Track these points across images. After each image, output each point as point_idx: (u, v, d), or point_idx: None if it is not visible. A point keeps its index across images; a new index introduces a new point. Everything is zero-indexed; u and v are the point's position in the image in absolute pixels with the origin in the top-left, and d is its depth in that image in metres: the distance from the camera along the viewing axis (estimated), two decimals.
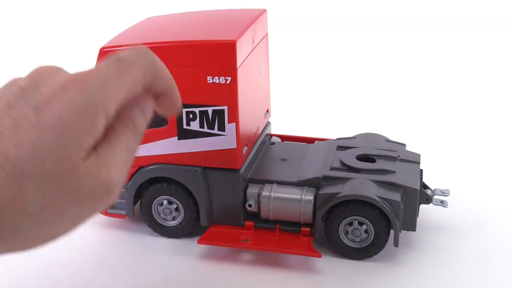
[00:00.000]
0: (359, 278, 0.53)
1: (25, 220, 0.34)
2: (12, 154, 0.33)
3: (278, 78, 0.78)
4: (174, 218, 0.58)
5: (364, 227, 0.54)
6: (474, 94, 0.92)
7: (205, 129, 0.53)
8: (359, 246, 0.55)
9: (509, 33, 1.14)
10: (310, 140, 0.65)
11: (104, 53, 0.52)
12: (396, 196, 0.53)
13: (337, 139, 0.64)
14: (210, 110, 0.53)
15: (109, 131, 0.37)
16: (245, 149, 0.56)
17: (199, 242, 0.55)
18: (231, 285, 0.52)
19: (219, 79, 0.52)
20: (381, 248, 0.54)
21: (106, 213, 0.59)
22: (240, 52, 0.52)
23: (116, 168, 0.36)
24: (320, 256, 0.53)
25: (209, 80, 0.52)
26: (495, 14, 1.21)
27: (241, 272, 0.54)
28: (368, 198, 0.52)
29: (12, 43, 1.19)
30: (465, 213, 0.62)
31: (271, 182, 0.56)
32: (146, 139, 0.55)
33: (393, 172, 0.56)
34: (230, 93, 0.52)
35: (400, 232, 0.54)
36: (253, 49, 0.56)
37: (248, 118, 0.56)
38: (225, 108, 0.52)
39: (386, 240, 0.54)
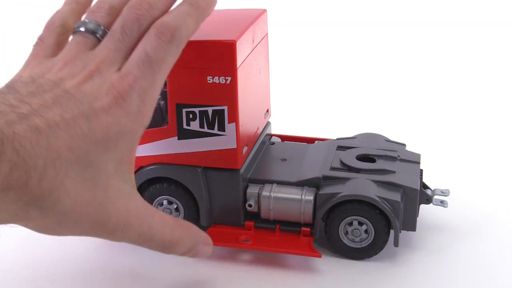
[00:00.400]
0: (359, 278, 0.53)
1: (55, 214, 0.39)
2: (64, 154, 0.38)
3: (278, 78, 0.78)
4: None
5: (364, 227, 0.54)
6: (474, 94, 0.92)
7: (205, 129, 0.53)
8: (359, 246, 0.54)
9: (509, 33, 1.14)
10: (310, 140, 0.65)
11: None
12: (396, 196, 0.53)
13: (337, 139, 0.64)
14: (210, 110, 0.53)
15: None
16: (245, 149, 0.56)
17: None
18: (231, 285, 0.52)
19: (219, 79, 0.51)
20: (381, 248, 0.54)
21: None
22: (240, 52, 0.52)
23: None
24: (320, 256, 0.53)
25: (209, 80, 0.52)
26: (495, 14, 1.21)
27: (241, 272, 0.54)
28: (368, 198, 0.52)
29: (12, 43, 1.19)
30: (465, 213, 0.62)
31: (271, 182, 0.56)
32: (146, 139, 0.55)
33: (393, 172, 0.56)
34: (230, 93, 0.52)
35: (400, 232, 0.54)
36: (253, 49, 0.56)
37: (248, 118, 0.56)
38: (225, 108, 0.52)
39: (386, 240, 0.54)
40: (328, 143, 0.62)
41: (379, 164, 0.57)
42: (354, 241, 0.54)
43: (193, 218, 0.57)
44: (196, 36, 0.53)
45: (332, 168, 0.57)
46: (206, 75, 0.51)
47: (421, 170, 0.59)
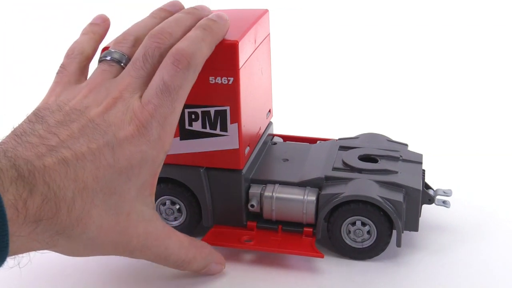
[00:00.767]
0: (361, 278, 0.53)
1: (82, 240, 0.41)
2: (90, 185, 0.40)
3: (280, 78, 0.78)
4: (176, 219, 0.58)
5: (367, 227, 0.54)
6: (476, 94, 0.92)
7: (207, 130, 0.53)
8: (361, 247, 0.54)
9: (509, 33, 1.14)
10: (312, 140, 0.65)
11: None
12: (398, 197, 0.53)
13: (339, 139, 0.64)
14: (212, 110, 0.53)
15: None
16: (247, 149, 0.56)
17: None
18: (232, 285, 0.52)
19: (221, 80, 0.51)
20: (383, 249, 0.54)
21: None
22: (242, 52, 0.52)
23: None
24: (322, 257, 0.53)
25: (211, 81, 0.52)
26: (495, 14, 1.21)
27: (242, 272, 0.54)
28: (370, 198, 0.52)
29: (13, 42, 1.19)
30: (468, 214, 0.62)
31: (273, 182, 0.56)
32: None
33: (396, 172, 0.56)
34: (232, 93, 0.52)
35: (402, 232, 0.54)
36: (255, 50, 0.56)
37: (250, 118, 0.56)
38: (227, 108, 0.52)
39: (388, 242, 0.54)
40: (330, 143, 0.62)
41: (381, 164, 0.57)
42: (356, 241, 0.54)
43: (196, 218, 0.57)
44: None
45: (334, 169, 0.57)
46: (208, 76, 0.51)
47: (423, 170, 0.59)
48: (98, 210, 0.41)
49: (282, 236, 0.56)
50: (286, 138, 0.66)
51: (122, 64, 0.48)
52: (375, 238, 0.54)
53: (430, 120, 0.84)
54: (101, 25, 0.53)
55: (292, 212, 0.55)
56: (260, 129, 0.60)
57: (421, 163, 0.58)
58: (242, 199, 0.55)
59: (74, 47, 0.51)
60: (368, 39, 1.15)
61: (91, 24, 0.54)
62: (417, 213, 0.55)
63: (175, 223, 0.58)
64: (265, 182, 0.56)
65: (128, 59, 0.48)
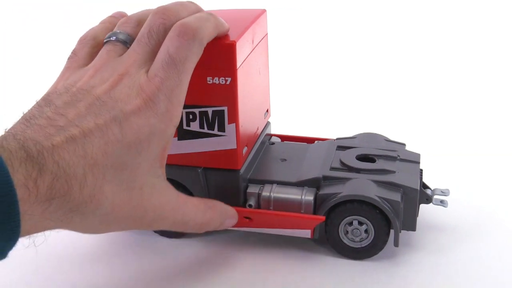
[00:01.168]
0: (359, 278, 0.53)
1: (96, 216, 0.41)
2: (100, 161, 0.40)
3: (278, 78, 0.78)
4: None
5: (364, 227, 0.54)
6: (474, 94, 0.92)
7: (205, 130, 0.53)
8: (359, 246, 0.55)
9: (509, 33, 1.14)
10: (310, 140, 0.65)
11: None
12: (396, 196, 0.53)
13: (337, 139, 0.64)
14: (210, 110, 0.53)
15: None
16: (245, 149, 0.56)
17: None
18: (230, 285, 0.52)
19: (219, 80, 0.51)
20: (381, 248, 0.54)
21: None
22: (240, 52, 0.52)
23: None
24: (323, 219, 0.53)
25: (209, 81, 0.52)
26: (495, 14, 1.21)
27: (240, 273, 0.54)
28: (368, 198, 0.52)
29: (14, 41, 1.19)
30: (465, 213, 0.62)
31: (271, 182, 0.56)
32: None
33: (393, 172, 0.56)
34: (230, 93, 0.52)
35: (400, 232, 0.54)
36: (253, 50, 0.56)
37: (248, 119, 0.56)
38: (225, 108, 0.52)
39: (386, 241, 0.54)
40: (328, 143, 0.62)
41: (379, 164, 0.57)
42: (354, 241, 0.54)
43: None
44: None
45: (332, 168, 0.57)
46: (206, 76, 0.51)
47: (421, 170, 0.59)
48: (111, 186, 0.41)
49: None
50: (284, 138, 0.66)
51: (127, 45, 0.48)
52: (372, 237, 0.54)
53: (428, 119, 0.84)
54: (118, 19, 0.53)
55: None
56: (258, 129, 0.60)
57: (418, 162, 0.59)
58: (240, 199, 0.55)
59: (88, 34, 0.51)
60: (366, 39, 1.15)
61: (110, 16, 0.54)
62: (414, 213, 0.55)
63: None
64: (263, 182, 0.56)
65: (133, 39, 0.48)
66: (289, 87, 0.93)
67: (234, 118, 0.53)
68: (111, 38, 0.49)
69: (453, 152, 0.75)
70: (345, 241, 0.55)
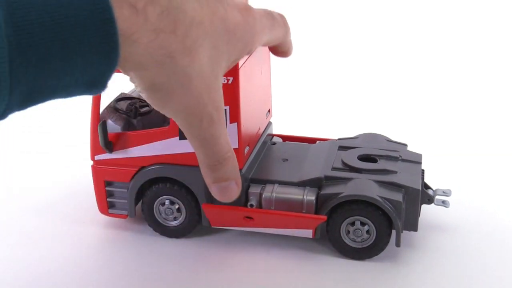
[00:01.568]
0: (361, 278, 0.53)
1: (183, 75, 0.38)
2: (206, 24, 0.39)
3: (280, 78, 0.78)
4: (175, 218, 0.58)
5: (366, 227, 0.54)
6: (475, 94, 0.92)
7: None
8: (360, 246, 0.54)
9: (509, 33, 1.14)
10: (312, 140, 0.65)
11: None
12: (398, 196, 0.53)
13: (339, 139, 0.64)
14: None
15: None
16: (246, 149, 0.56)
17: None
18: (230, 285, 0.52)
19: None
20: (382, 249, 0.54)
21: (107, 214, 0.59)
22: None
23: None
24: (325, 219, 0.53)
25: None
26: (495, 14, 1.21)
27: (240, 273, 0.54)
28: (370, 198, 0.52)
29: None
30: (467, 213, 0.62)
31: (272, 182, 0.56)
32: (148, 139, 0.55)
33: (395, 172, 0.56)
34: (232, 93, 0.52)
35: (401, 232, 0.54)
36: (255, 50, 0.56)
37: (250, 118, 0.56)
38: (227, 108, 0.52)
39: (387, 242, 0.54)
40: (330, 143, 0.62)
41: (381, 164, 0.57)
42: (356, 241, 0.54)
43: (195, 218, 0.57)
44: None
45: (334, 168, 0.57)
46: None
47: (423, 170, 0.59)
48: (205, 54, 0.39)
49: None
50: (285, 138, 0.66)
51: None
52: (374, 238, 0.54)
53: (430, 120, 0.84)
54: None
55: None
56: (259, 129, 0.60)
57: (420, 163, 0.58)
58: (242, 198, 0.55)
59: None
60: (367, 40, 1.15)
61: None
62: (416, 213, 0.55)
63: (175, 223, 0.58)
64: (264, 182, 0.56)
65: None
66: (290, 87, 0.93)
67: (236, 117, 0.53)
68: None
69: (454, 152, 0.75)
70: (347, 241, 0.55)
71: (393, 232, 0.54)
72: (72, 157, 0.73)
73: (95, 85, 0.34)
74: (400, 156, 0.59)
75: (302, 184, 0.56)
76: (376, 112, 0.86)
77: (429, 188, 0.59)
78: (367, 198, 0.52)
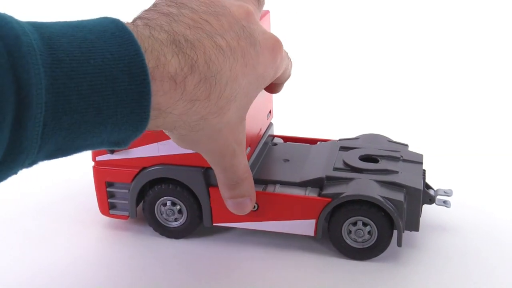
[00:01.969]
0: (362, 278, 0.53)
1: (210, 130, 0.41)
2: (239, 79, 0.40)
3: None
4: (176, 219, 0.58)
5: (368, 228, 0.54)
6: (476, 94, 0.92)
7: None
8: (362, 247, 0.54)
9: (509, 33, 1.14)
10: (313, 141, 0.65)
11: None
12: (399, 196, 0.53)
13: (340, 139, 0.64)
14: None
15: None
16: (248, 149, 0.56)
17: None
18: (231, 285, 0.52)
19: None
20: (383, 250, 0.54)
21: (108, 215, 0.59)
22: None
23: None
24: (330, 201, 0.53)
25: None
26: (495, 14, 1.21)
27: (241, 273, 0.54)
28: (371, 198, 0.52)
29: None
30: (468, 213, 0.61)
31: (274, 182, 0.56)
32: (149, 140, 0.55)
33: (396, 172, 0.56)
34: None
35: (403, 232, 0.54)
36: None
37: (251, 119, 0.56)
38: None
39: (388, 243, 0.54)
40: (331, 144, 0.62)
41: (382, 165, 0.57)
42: (357, 242, 0.54)
43: (196, 219, 0.57)
44: None
45: (335, 169, 0.57)
46: None
47: (424, 170, 0.59)
48: (234, 106, 0.41)
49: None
50: (286, 139, 0.66)
51: None
52: (376, 238, 0.54)
53: (431, 120, 0.84)
54: None
55: None
56: (260, 130, 0.60)
57: (421, 163, 0.58)
58: None
59: None
60: (368, 40, 1.15)
61: None
62: (417, 213, 0.55)
63: (176, 223, 0.58)
64: (266, 182, 0.56)
65: None
66: (292, 88, 0.93)
67: None
68: None
69: (456, 152, 0.75)
70: (348, 241, 0.55)
71: (395, 232, 0.54)
72: (73, 157, 0.73)
73: (119, 145, 0.35)
74: (401, 156, 0.59)
75: (303, 184, 0.56)
76: (377, 113, 0.87)
77: (431, 188, 0.59)
78: (369, 198, 0.52)
